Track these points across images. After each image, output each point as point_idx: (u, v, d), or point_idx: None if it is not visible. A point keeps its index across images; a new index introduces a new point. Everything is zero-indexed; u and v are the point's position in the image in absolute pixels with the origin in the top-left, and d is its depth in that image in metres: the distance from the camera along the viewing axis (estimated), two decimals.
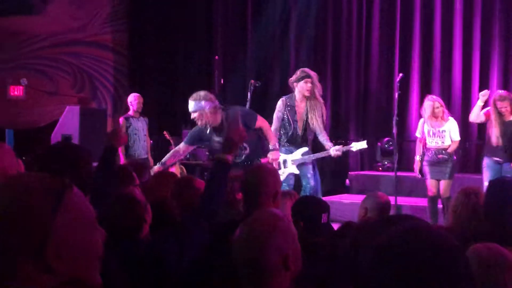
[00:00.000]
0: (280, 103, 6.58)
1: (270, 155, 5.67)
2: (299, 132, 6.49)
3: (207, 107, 5.38)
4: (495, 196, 2.94)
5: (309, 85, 6.42)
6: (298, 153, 6.48)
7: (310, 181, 6.42)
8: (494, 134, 6.58)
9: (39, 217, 1.09)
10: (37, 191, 1.11)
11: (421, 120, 7.04)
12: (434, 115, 6.79)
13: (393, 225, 1.13)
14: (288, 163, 6.48)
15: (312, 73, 6.55)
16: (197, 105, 5.40)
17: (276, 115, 6.55)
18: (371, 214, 3.54)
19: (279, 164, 6.19)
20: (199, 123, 5.48)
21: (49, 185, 1.13)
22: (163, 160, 5.81)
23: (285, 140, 6.52)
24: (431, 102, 6.85)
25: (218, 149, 5.38)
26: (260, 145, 5.69)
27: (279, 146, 6.12)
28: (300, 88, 6.47)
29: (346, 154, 10.24)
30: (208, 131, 5.54)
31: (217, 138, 5.44)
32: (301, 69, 6.73)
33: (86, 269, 1.14)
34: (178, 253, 2.48)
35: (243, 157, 5.50)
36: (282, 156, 6.35)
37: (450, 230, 3.11)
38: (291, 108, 6.47)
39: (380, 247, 1.11)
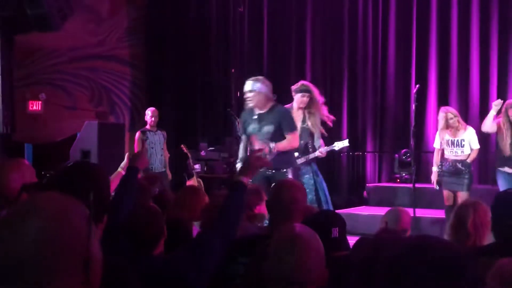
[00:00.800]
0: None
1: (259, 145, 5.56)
2: None
3: (263, 90, 5.51)
4: (501, 209, 2.90)
5: (305, 99, 6.53)
6: None
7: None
8: (506, 143, 6.53)
9: (82, 237, 1.12)
10: (75, 213, 1.14)
11: (439, 131, 7.00)
12: (448, 126, 6.75)
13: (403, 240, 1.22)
14: None
15: (313, 88, 6.65)
16: (255, 85, 5.56)
17: None
18: (389, 228, 3.52)
19: None
20: (250, 103, 5.58)
21: (80, 206, 1.17)
22: (241, 157, 5.93)
23: None
24: (444, 114, 6.83)
25: (252, 132, 5.48)
26: (289, 155, 5.70)
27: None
28: (297, 99, 6.59)
29: (364, 166, 10.22)
30: (252, 116, 5.61)
31: (254, 125, 5.55)
32: (303, 82, 6.82)
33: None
34: (196, 270, 2.48)
35: (271, 159, 5.48)
36: None
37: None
38: None
39: (392, 260, 1.18)
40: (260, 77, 5.70)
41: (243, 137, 5.86)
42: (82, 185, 1.96)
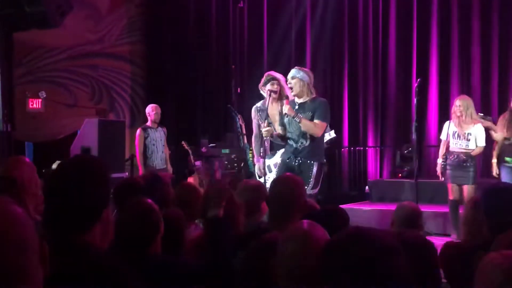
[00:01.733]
0: (252, 112, 6.58)
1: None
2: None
3: (305, 79, 5.56)
4: (492, 204, 2.86)
5: (276, 86, 6.31)
6: (278, 156, 6.38)
7: None
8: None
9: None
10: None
11: (447, 123, 6.95)
12: (455, 113, 6.71)
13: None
14: (272, 167, 6.44)
15: (278, 76, 6.48)
16: (298, 72, 5.59)
17: (253, 124, 6.54)
18: (399, 223, 3.49)
19: (264, 169, 6.18)
20: (291, 90, 5.59)
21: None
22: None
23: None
24: (456, 101, 6.81)
25: (287, 122, 5.53)
26: (321, 146, 5.68)
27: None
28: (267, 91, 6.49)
29: (365, 161, 10.19)
30: (292, 107, 5.55)
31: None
32: (267, 72, 6.66)
33: None
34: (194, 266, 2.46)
35: (302, 148, 5.50)
36: (266, 162, 6.30)
37: (464, 242, 3.07)
38: (262, 111, 6.41)
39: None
40: (305, 68, 5.75)
41: (279, 127, 5.77)
42: (77, 180, 1.92)
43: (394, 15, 10.00)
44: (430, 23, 9.71)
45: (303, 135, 5.52)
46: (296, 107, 5.55)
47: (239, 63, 10.82)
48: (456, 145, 6.74)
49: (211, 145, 10.15)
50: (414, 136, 7.18)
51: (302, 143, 5.52)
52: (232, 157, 9.83)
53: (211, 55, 11.06)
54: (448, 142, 6.82)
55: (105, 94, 11.09)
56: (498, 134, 6.74)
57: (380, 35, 10.08)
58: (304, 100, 5.55)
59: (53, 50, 10.73)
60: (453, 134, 6.78)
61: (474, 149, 6.71)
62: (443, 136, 6.92)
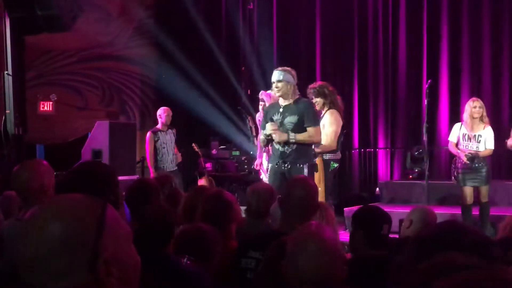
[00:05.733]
0: (260, 113, 6.70)
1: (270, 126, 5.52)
2: None
3: (291, 80, 5.48)
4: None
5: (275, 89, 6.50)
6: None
7: None
8: None
9: (88, 237, 1.12)
10: (84, 214, 1.15)
11: (457, 124, 6.91)
12: (472, 115, 6.66)
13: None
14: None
15: (264, 95, 6.76)
16: (284, 75, 5.48)
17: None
18: (415, 227, 3.48)
19: (264, 171, 6.28)
20: (278, 93, 5.50)
21: (93, 207, 1.16)
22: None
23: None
24: (471, 102, 6.75)
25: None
26: (309, 148, 5.61)
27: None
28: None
29: (376, 163, 10.17)
30: (278, 108, 5.53)
31: (277, 116, 5.48)
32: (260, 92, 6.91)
33: (131, 286, 1.18)
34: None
35: (289, 151, 5.42)
36: (266, 163, 6.40)
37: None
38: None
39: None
40: (287, 68, 5.62)
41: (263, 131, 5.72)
42: (85, 186, 1.94)
43: (404, 16, 9.98)
44: (440, 25, 9.68)
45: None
46: (281, 109, 5.50)
47: (249, 65, 10.83)
48: (467, 147, 6.71)
49: (221, 147, 10.18)
50: (425, 138, 7.15)
51: (290, 146, 5.42)
52: (243, 159, 9.85)
53: (221, 57, 11.07)
54: (458, 144, 6.78)
55: (116, 96, 11.14)
56: None
57: (390, 36, 10.06)
58: (289, 102, 5.49)
59: (64, 53, 10.78)
60: (463, 136, 6.74)
61: (483, 151, 6.67)
62: (452, 138, 6.87)
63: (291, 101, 5.49)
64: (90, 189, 1.80)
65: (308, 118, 5.43)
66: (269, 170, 5.59)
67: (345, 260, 1.99)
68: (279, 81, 5.48)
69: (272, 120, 5.50)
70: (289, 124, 5.41)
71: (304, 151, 5.48)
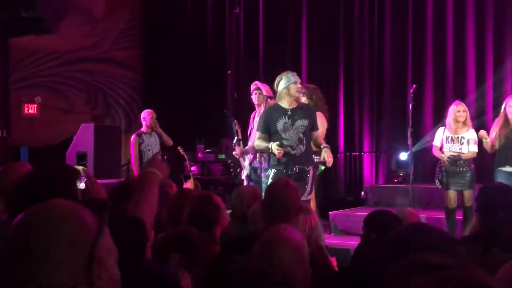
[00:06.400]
0: (256, 111, 6.79)
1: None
2: None
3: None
4: (486, 201, 3.03)
5: (256, 96, 6.65)
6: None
7: None
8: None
9: (90, 234, 1.21)
10: (88, 212, 1.24)
11: (440, 129, 6.95)
12: (456, 119, 6.71)
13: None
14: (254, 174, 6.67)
15: (259, 84, 6.71)
16: (298, 79, 5.57)
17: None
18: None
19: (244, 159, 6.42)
20: (299, 95, 5.57)
21: (95, 208, 1.27)
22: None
23: None
24: (455, 106, 6.79)
25: (284, 127, 5.39)
26: (311, 152, 5.64)
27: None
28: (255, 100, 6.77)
29: (361, 166, 10.21)
30: (286, 112, 5.49)
31: (285, 120, 5.45)
32: (254, 82, 6.82)
33: None
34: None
35: (299, 154, 5.44)
36: (247, 169, 6.64)
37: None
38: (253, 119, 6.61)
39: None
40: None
41: (262, 135, 5.63)
42: (38, 194, 1.93)
43: (389, 22, 10.03)
44: (425, 30, 9.74)
45: (300, 140, 5.47)
46: (289, 112, 5.49)
47: (235, 69, 10.83)
48: (450, 149, 6.75)
49: (207, 150, 10.16)
50: (409, 142, 7.19)
51: (300, 149, 5.45)
52: (229, 162, 9.84)
53: (207, 60, 11.07)
54: (442, 147, 6.82)
55: (101, 99, 11.09)
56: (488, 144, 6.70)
57: (376, 41, 10.10)
58: (295, 106, 5.51)
59: (49, 56, 10.73)
60: (447, 139, 6.78)
61: (466, 153, 6.71)
62: (436, 142, 6.91)
63: (296, 104, 5.52)
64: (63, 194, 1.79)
65: (316, 122, 5.59)
66: (272, 175, 5.49)
67: (306, 262, 1.99)
68: (301, 83, 5.59)
69: (277, 124, 5.46)
70: (301, 127, 5.44)
71: (310, 154, 5.58)
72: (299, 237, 2.01)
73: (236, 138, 6.79)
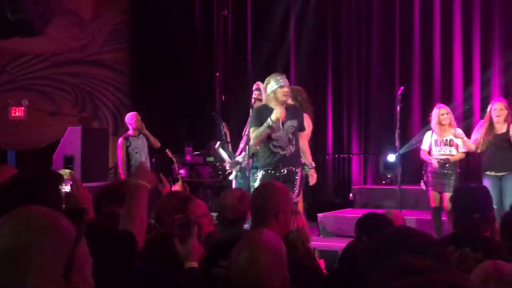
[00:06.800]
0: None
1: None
2: None
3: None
4: (463, 202, 3.06)
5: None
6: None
7: None
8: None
9: (69, 242, 1.20)
10: (66, 220, 1.24)
11: (428, 133, 6.99)
12: (440, 122, 6.75)
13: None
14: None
15: (261, 85, 6.49)
16: (287, 82, 5.58)
17: None
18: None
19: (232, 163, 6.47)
20: (286, 99, 5.51)
21: (73, 216, 1.29)
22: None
23: None
24: (437, 110, 6.83)
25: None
26: (299, 154, 5.66)
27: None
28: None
29: (349, 168, 10.23)
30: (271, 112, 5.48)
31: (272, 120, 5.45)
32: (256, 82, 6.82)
33: None
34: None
35: (289, 155, 5.47)
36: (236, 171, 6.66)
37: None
38: None
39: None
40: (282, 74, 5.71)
41: (257, 128, 5.60)
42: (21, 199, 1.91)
43: (377, 24, 10.06)
44: (413, 32, 9.78)
45: (290, 141, 5.48)
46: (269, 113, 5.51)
47: (223, 71, 10.82)
48: (440, 152, 6.78)
49: (195, 153, 10.14)
50: (397, 143, 7.21)
51: (290, 150, 5.46)
52: (217, 165, 9.83)
53: (196, 62, 11.05)
54: (430, 150, 6.86)
55: (89, 102, 11.04)
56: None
57: (364, 43, 10.13)
58: (284, 107, 5.52)
59: (36, 58, 10.66)
60: (435, 142, 6.82)
61: (455, 155, 6.74)
62: (424, 146, 6.95)
63: (284, 106, 5.52)
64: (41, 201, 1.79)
65: (303, 123, 5.65)
66: (260, 177, 5.48)
67: (284, 267, 1.98)
68: (287, 86, 5.58)
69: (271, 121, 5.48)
70: (291, 128, 5.49)
71: (299, 155, 5.60)
72: (276, 241, 2.00)
73: (219, 142, 6.79)
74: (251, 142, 5.68)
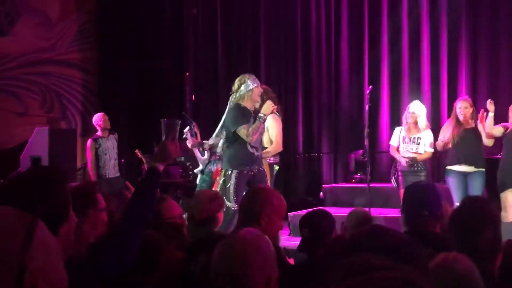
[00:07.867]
0: None
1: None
2: None
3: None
4: (411, 200, 3.16)
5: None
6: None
7: None
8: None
9: (13, 253, 1.13)
10: (10, 228, 1.15)
11: (397, 128, 7.06)
12: (412, 120, 6.84)
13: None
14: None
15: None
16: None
17: None
18: (351, 230, 3.56)
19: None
20: (259, 98, 5.58)
21: (20, 221, 1.17)
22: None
23: None
24: (408, 108, 6.93)
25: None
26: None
27: None
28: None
29: (320, 167, 10.29)
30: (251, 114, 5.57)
31: (251, 122, 5.53)
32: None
33: None
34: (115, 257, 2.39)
35: (260, 155, 5.63)
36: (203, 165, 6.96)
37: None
38: None
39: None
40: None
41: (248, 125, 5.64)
42: (30, 195, 1.88)
43: (346, 23, 10.13)
44: (381, 32, 9.87)
45: (261, 142, 5.65)
46: (253, 115, 5.57)
47: (193, 70, 10.78)
48: (407, 149, 6.86)
49: None
50: (366, 142, 7.27)
51: (260, 150, 5.60)
52: (187, 165, 9.78)
53: (165, 62, 10.99)
54: (398, 147, 6.93)
55: (57, 102, 10.90)
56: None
57: (333, 43, 10.19)
58: (253, 109, 5.60)
59: (3, 58, 10.49)
60: (403, 139, 6.90)
61: (422, 154, 6.82)
62: (393, 142, 7.02)
63: (254, 107, 5.59)
64: (17, 201, 1.75)
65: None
66: (237, 176, 5.45)
67: (272, 265, 1.98)
68: (260, 86, 5.67)
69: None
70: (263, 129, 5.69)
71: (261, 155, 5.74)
72: (262, 241, 1.99)
73: (188, 127, 6.76)
74: (248, 139, 5.53)
